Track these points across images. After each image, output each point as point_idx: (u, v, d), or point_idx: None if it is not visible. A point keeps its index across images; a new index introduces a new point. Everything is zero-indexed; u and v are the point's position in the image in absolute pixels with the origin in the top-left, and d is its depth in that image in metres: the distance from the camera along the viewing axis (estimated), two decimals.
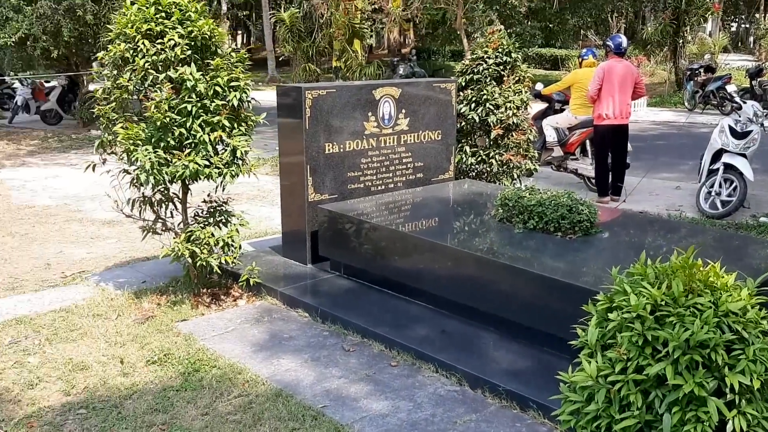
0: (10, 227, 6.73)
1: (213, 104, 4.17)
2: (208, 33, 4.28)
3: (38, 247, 6.07)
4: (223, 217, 4.55)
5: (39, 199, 8.07)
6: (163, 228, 4.59)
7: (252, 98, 4.43)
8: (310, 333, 4.14)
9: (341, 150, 5.06)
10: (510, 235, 4.26)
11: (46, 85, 16.71)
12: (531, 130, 6.32)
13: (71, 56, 14.14)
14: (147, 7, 4.23)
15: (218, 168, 4.21)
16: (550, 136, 8.20)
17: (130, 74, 4.20)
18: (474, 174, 6.21)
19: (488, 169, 6.12)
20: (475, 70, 6.07)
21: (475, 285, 3.93)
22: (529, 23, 19.97)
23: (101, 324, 4.26)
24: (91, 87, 4.37)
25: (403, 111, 5.42)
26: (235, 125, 4.30)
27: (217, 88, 4.17)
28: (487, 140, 6.08)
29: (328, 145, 4.98)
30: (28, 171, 10.04)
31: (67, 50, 13.57)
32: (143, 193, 4.47)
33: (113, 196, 4.41)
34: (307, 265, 5.05)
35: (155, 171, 4.08)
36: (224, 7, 27.76)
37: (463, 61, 6.40)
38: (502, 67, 6.05)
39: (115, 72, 4.33)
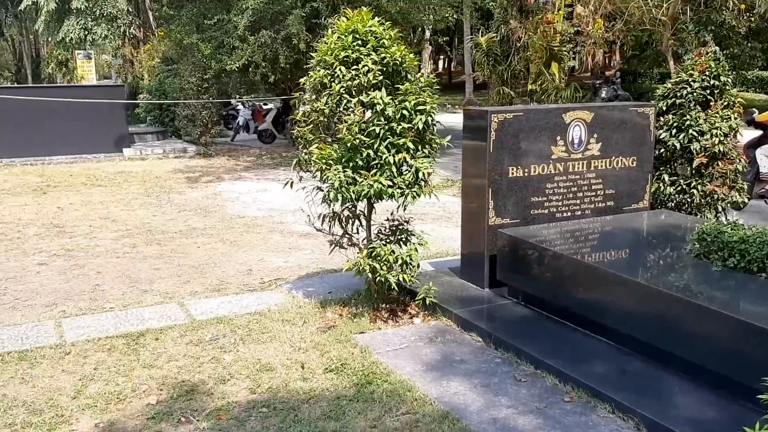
0: (222, 235, 7.45)
1: (399, 127, 4.32)
2: (400, 59, 4.46)
3: (244, 254, 6.65)
4: (403, 236, 4.69)
5: (249, 210, 8.87)
6: (349, 243, 4.83)
7: (437, 121, 4.53)
8: (482, 358, 4.11)
9: (526, 174, 4.99)
10: (706, 273, 3.92)
11: (264, 107, 18.36)
12: (740, 160, 5.75)
13: (286, 81, 15.41)
14: (345, 36, 4.50)
15: (401, 188, 4.35)
16: (765, 167, 7.42)
17: (327, 98, 4.49)
18: (672, 205, 5.79)
19: (689, 200, 5.68)
20: (678, 94, 5.68)
21: (662, 324, 3.65)
22: (749, 44, 18.19)
23: (289, 329, 4.56)
24: (300, 110, 4.76)
25: (595, 135, 5.21)
26: (419, 147, 4.42)
27: (405, 112, 4.32)
28: (689, 169, 5.64)
29: (512, 169, 4.93)
30: (242, 185, 11.08)
31: (283, 75, 14.81)
32: (333, 209, 4.75)
33: (307, 210, 4.73)
34: (484, 289, 5.02)
35: (343, 189, 4.32)
36: (427, 34, 28.63)
37: (664, 85, 6.02)
38: (708, 91, 5.60)
39: (314, 96, 4.65)
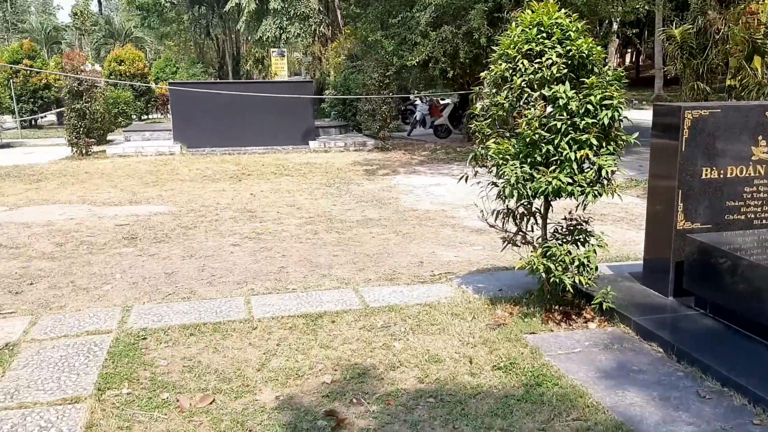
0: (396, 226, 7.65)
1: (583, 122, 4.16)
2: (586, 51, 4.29)
3: (415, 246, 6.77)
4: (581, 236, 4.52)
5: (421, 203, 9.02)
6: (523, 241, 4.74)
7: (624, 117, 4.30)
8: (663, 370, 3.85)
9: (721, 176, 4.59)
10: None
11: (441, 102, 18.56)
12: None
13: (464, 76, 15.46)
14: (530, 29, 4.41)
15: (581, 186, 4.19)
16: None
17: (507, 92, 4.43)
18: None
19: None
20: None
21: None
22: None
23: (457, 323, 4.58)
24: (477, 105, 4.78)
25: None
26: (604, 144, 4.23)
27: (589, 107, 4.15)
28: None
29: (706, 170, 4.56)
30: (417, 178, 11.29)
31: (462, 70, 14.87)
32: (507, 206, 4.69)
33: (480, 206, 4.71)
34: (668, 298, 4.70)
35: (519, 185, 4.24)
36: (614, 26, 27.30)
37: None
38: None
39: (494, 90, 4.62)
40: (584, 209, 4.46)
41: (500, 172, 4.42)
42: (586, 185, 4.21)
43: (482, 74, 4.73)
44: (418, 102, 19.45)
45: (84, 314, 4.83)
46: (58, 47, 54.40)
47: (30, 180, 11.40)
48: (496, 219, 4.76)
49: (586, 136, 4.16)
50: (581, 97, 4.19)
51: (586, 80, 4.24)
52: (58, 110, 22.58)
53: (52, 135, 20.04)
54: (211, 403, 3.53)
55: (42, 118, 24.03)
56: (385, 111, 15.46)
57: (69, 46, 53.09)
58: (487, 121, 4.63)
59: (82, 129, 14.46)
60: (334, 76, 21.69)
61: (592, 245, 4.49)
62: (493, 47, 4.71)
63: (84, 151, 14.53)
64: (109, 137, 17.58)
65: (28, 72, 21.81)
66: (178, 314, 4.80)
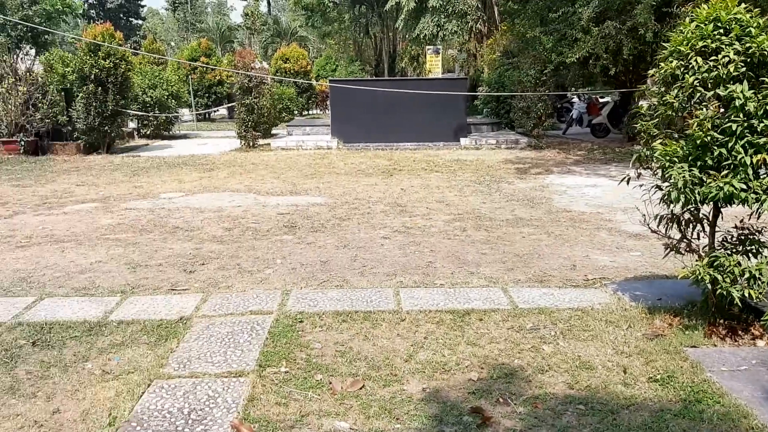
0: (548, 227, 7.48)
1: (761, 125, 3.85)
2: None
3: (568, 248, 6.59)
4: (753, 247, 4.19)
5: (575, 205, 8.75)
6: (687, 248, 4.48)
7: None
8: None
9: None
10: None
11: (600, 100, 17.86)
12: None
13: (627, 74, 14.76)
14: (705, 24, 4.15)
15: (756, 193, 3.88)
16: None
17: (677, 91, 4.20)
18: None
19: None
20: None
21: None
22: None
23: (612, 331, 4.42)
24: (642, 104, 4.58)
25: None
26: None
27: None
28: None
29: None
30: (571, 178, 10.95)
31: (624, 68, 14.22)
32: (672, 211, 4.45)
33: (642, 210, 4.50)
34: None
35: (687, 190, 4.01)
36: None
37: None
38: None
39: (663, 89, 4.39)
40: (758, 218, 4.13)
41: (666, 175, 4.20)
42: (761, 192, 3.89)
43: (650, 72, 4.52)
44: (575, 99, 18.87)
45: (248, 295, 5.19)
46: (231, 46, 58.40)
47: (204, 169, 12.38)
48: (658, 224, 4.53)
49: (764, 139, 3.85)
50: (760, 98, 3.88)
51: (767, 80, 3.92)
52: (228, 105, 24.29)
53: (223, 128, 21.61)
54: (361, 389, 3.67)
55: (215, 112, 25.97)
56: (541, 108, 15.12)
57: (240, 45, 56.90)
58: (654, 120, 4.42)
59: (250, 123, 15.47)
60: (488, 73, 21.55)
61: (766, 257, 4.14)
62: (661, 43, 4.48)
63: (251, 144, 15.53)
64: (273, 131, 18.65)
65: (205, 69, 23.64)
66: (331, 301, 5.03)
